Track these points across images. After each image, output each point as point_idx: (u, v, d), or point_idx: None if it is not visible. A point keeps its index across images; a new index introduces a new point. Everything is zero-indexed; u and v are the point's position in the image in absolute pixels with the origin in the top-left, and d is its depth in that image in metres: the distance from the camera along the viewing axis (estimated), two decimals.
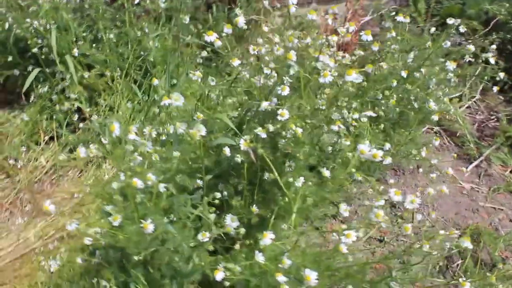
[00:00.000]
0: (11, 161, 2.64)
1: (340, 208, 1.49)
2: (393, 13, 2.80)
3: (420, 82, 2.11)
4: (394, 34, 2.00)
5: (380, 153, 1.28)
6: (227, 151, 1.59)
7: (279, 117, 1.40)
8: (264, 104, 1.44)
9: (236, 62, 1.51)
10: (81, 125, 2.62)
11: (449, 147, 2.74)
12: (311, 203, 1.41)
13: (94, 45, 2.62)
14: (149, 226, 1.26)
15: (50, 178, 2.66)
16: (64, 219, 2.41)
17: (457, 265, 2.20)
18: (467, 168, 2.63)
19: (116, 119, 2.64)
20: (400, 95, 2.16)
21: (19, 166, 2.65)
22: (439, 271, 2.19)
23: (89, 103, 2.71)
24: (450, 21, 2.18)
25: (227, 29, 1.46)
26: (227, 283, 1.35)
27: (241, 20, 1.49)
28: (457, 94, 2.94)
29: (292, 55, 1.35)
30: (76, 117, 2.70)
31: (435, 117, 2.04)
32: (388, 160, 1.89)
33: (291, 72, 1.41)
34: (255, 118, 1.56)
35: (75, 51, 2.48)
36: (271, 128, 1.41)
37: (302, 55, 1.52)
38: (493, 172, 2.61)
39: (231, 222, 1.37)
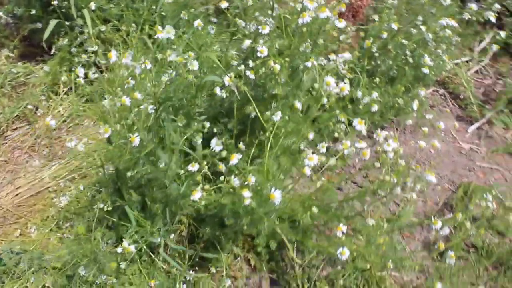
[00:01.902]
0: (32, 109, 2.82)
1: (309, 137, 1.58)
2: None
3: (417, 38, 2.15)
4: None
5: (347, 86, 1.36)
6: (218, 90, 1.71)
7: (258, 54, 1.49)
8: (247, 42, 1.53)
9: (224, 4, 1.61)
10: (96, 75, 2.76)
11: (453, 109, 2.77)
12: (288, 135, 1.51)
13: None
14: (135, 139, 1.38)
15: (67, 126, 2.83)
16: (76, 163, 2.59)
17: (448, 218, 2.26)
18: (468, 129, 2.66)
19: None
20: (398, 51, 2.21)
21: (38, 114, 2.83)
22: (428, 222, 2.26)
23: (105, 57, 2.84)
24: None
25: None
26: (202, 203, 1.46)
27: None
28: (466, 59, 2.95)
29: None
30: (93, 70, 2.84)
31: (426, 70, 2.08)
32: (375, 108, 1.96)
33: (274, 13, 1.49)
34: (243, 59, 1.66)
35: (92, 5, 2.61)
36: (251, 63, 1.51)
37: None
38: (494, 134, 2.63)
39: (215, 146, 1.48)
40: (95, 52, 2.81)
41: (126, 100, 1.36)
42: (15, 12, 2.86)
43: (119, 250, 1.65)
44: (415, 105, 2.07)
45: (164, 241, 1.81)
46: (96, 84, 2.88)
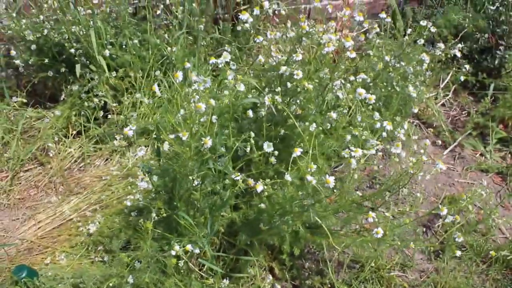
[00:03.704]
0: (44, 151, 2.98)
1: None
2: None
3: (401, 71, 2.55)
4: (377, 28, 2.45)
5: (373, 96, 1.69)
6: (250, 113, 2.00)
7: (295, 76, 1.80)
8: (283, 68, 1.85)
9: (260, 39, 1.93)
10: (108, 116, 3.00)
11: (428, 136, 3.18)
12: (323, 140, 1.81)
13: (121, 48, 3.03)
14: (208, 141, 1.61)
15: (79, 166, 3.00)
16: (95, 196, 2.75)
17: (438, 226, 2.59)
18: (443, 153, 3.06)
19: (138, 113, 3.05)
20: (384, 83, 2.59)
21: (51, 155, 2.99)
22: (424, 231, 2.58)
23: (114, 101, 3.08)
24: (423, 22, 2.65)
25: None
26: (265, 193, 1.70)
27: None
28: (433, 94, 3.41)
29: (306, 26, 1.77)
30: (101, 113, 3.07)
31: (413, 94, 2.45)
32: (378, 125, 2.30)
33: (303, 43, 1.82)
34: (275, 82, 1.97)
35: (106, 52, 2.87)
36: (289, 85, 1.82)
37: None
38: (465, 155, 3.05)
39: (267, 147, 1.74)
40: (105, 96, 3.05)
41: (202, 106, 1.59)
42: (27, 60, 3.04)
43: (173, 252, 1.83)
44: (406, 125, 2.44)
45: (205, 249, 2.01)
46: (105, 126, 3.10)
